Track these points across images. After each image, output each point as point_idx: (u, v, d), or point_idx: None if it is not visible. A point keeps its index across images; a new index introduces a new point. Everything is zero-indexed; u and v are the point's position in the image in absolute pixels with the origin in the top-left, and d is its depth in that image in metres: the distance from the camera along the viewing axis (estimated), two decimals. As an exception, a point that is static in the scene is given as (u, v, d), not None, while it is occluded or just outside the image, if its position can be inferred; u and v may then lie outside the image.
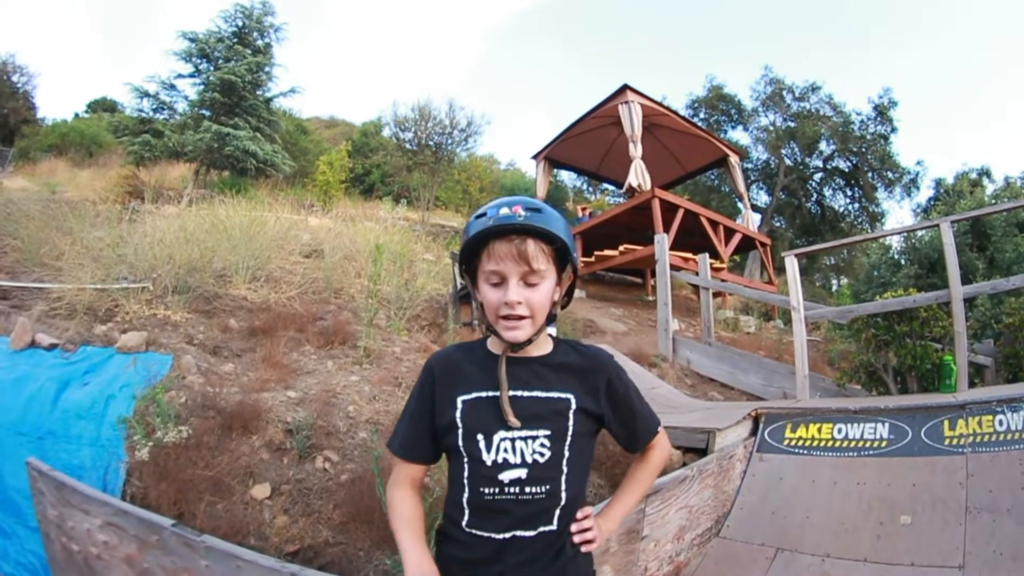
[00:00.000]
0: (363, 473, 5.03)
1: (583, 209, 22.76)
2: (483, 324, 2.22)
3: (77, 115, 40.06)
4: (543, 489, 2.12)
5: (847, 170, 33.41)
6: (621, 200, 21.95)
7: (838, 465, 5.19)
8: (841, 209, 34.09)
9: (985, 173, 29.48)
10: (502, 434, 2.12)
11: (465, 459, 2.13)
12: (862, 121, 32.36)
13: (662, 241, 10.93)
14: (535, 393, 2.16)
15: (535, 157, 21.60)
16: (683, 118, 21.21)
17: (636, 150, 16.71)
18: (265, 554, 3.78)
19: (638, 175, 16.23)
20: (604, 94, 18.27)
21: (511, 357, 2.17)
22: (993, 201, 18.68)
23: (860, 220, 33.04)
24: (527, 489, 2.11)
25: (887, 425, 5.21)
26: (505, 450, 2.12)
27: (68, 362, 6.04)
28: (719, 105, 35.52)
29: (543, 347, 2.24)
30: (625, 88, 17.25)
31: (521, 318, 2.09)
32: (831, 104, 33.33)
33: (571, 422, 2.17)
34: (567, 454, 2.16)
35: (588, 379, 2.23)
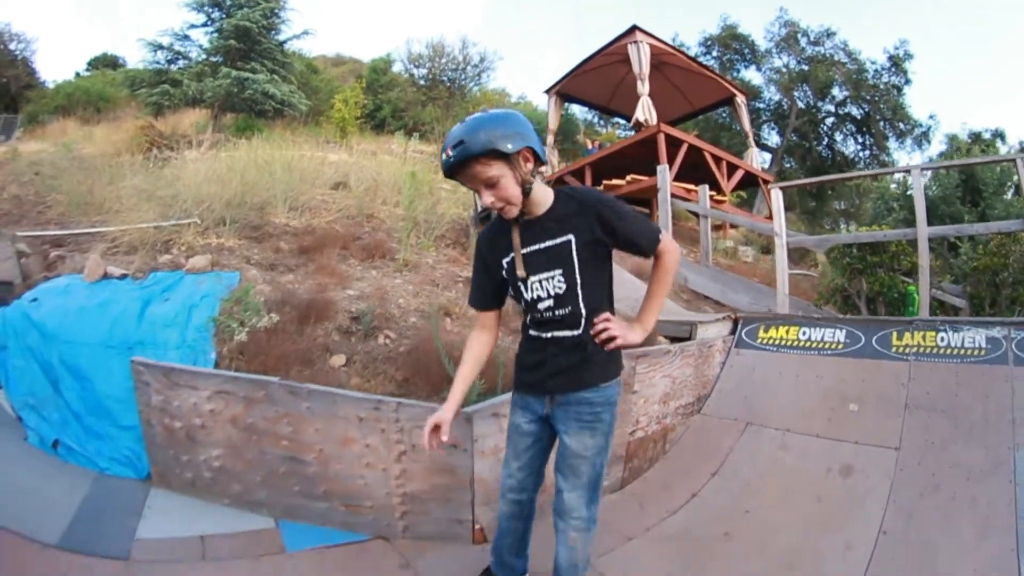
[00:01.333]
0: (418, 344, 6.22)
1: (592, 141, 23.37)
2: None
3: (78, 74, 39.32)
4: (567, 309, 3.07)
5: (859, 117, 33.21)
6: (630, 134, 22.50)
7: (801, 361, 6.08)
8: (851, 155, 33.88)
9: (999, 135, 29.46)
10: (532, 279, 3.09)
11: (519, 297, 3.18)
12: (876, 71, 32.09)
13: (664, 171, 11.82)
14: (544, 244, 3.06)
15: (547, 91, 22.15)
16: (690, 57, 21.98)
17: (644, 87, 17.44)
18: (349, 401, 4.94)
19: (645, 111, 16.98)
20: (616, 32, 18.84)
21: (526, 221, 3.07)
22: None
23: (871, 167, 32.42)
24: (556, 311, 3.09)
25: (844, 331, 6.04)
26: (536, 289, 3.10)
27: (144, 285, 6.76)
28: (732, 44, 35.11)
29: (544, 204, 3.07)
30: (634, 28, 17.88)
31: (503, 207, 2.97)
32: (846, 51, 32.96)
33: (575, 258, 3.03)
34: (579, 281, 3.04)
35: (582, 219, 3.01)
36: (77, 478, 5.04)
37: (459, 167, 2.86)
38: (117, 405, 5.46)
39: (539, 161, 3.00)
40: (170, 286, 6.81)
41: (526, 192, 2.96)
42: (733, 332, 6.80)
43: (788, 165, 33.54)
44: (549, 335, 3.17)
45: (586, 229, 3.03)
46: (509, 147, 2.83)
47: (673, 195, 12.08)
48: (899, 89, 32.09)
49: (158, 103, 21.33)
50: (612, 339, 3.10)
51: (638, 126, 17.35)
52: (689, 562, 4.34)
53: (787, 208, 21.43)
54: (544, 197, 3.07)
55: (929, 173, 18.12)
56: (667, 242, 3.15)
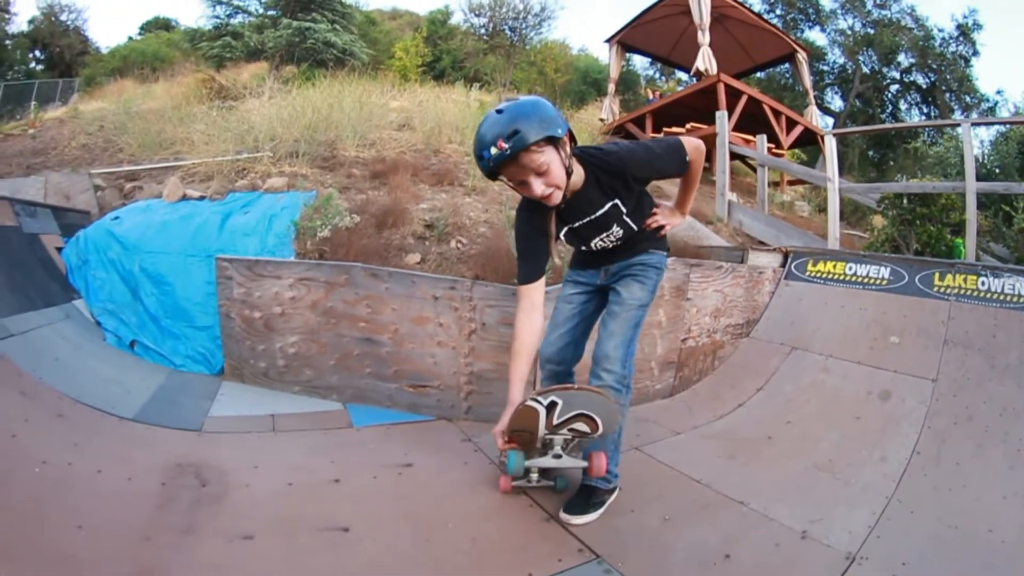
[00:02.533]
0: (487, 248, 6.57)
1: (653, 91, 23.54)
2: None
3: (131, 38, 39.92)
4: (624, 237, 3.62)
5: (924, 87, 32.38)
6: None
7: (846, 294, 6.33)
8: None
9: None
10: (594, 242, 3.63)
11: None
12: (943, 39, 31.35)
13: (722, 117, 11.94)
14: (595, 215, 3.43)
15: (608, 40, 21.98)
16: (752, 11, 21.69)
17: (704, 37, 17.39)
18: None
19: (705, 60, 16.96)
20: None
21: (566, 201, 3.33)
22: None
23: (935, 139, 31.63)
24: (615, 244, 3.66)
25: (888, 269, 6.25)
26: (597, 245, 3.66)
27: (223, 202, 7.18)
28: (796, 3, 34.22)
29: (580, 180, 3.31)
30: (695, -21, 17.75)
31: (551, 194, 3.14)
32: (913, 16, 32.13)
33: (624, 212, 3.47)
34: (632, 222, 3.55)
35: (619, 181, 3.35)
36: (153, 371, 5.49)
37: (512, 159, 2.99)
38: (194, 307, 5.94)
39: (574, 142, 3.27)
40: (249, 202, 7.22)
41: (568, 174, 3.18)
42: (783, 265, 7.08)
43: (851, 130, 32.91)
44: (605, 248, 3.69)
45: (624, 188, 3.39)
46: (559, 131, 3.04)
47: (731, 143, 12.19)
48: (966, 60, 31.22)
49: (219, 55, 21.82)
50: (661, 227, 3.74)
51: (698, 75, 17.38)
52: (733, 455, 4.68)
53: (847, 173, 21.27)
54: (579, 174, 3.31)
55: (988, 143, 17.90)
56: (692, 151, 3.48)
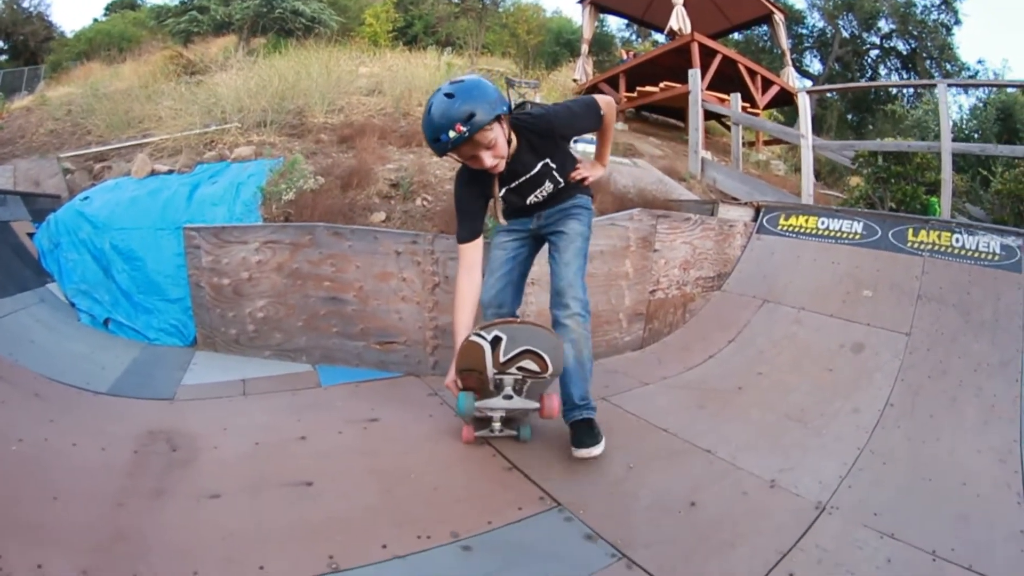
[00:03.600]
0: (451, 205, 6.36)
1: (627, 52, 23.35)
2: None
3: (96, 21, 39.03)
4: (553, 192, 3.83)
5: (905, 53, 32.08)
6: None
7: (819, 248, 6.31)
8: (894, 91, 32.06)
9: None
10: (529, 199, 3.80)
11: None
12: (925, 6, 30.88)
13: (695, 75, 11.75)
14: (530, 175, 3.67)
15: (581, 1, 21.47)
16: (728, -30, 21.56)
17: (678, -5, 17.19)
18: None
19: (679, 19, 16.65)
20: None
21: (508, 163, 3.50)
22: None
23: (914, 104, 31.68)
24: (545, 197, 3.84)
25: (861, 223, 6.24)
26: (532, 200, 3.82)
27: (192, 175, 7.18)
28: None
29: (514, 144, 3.53)
30: (667, -65, 17.46)
31: (497, 164, 3.39)
32: None
33: (553, 168, 3.71)
34: (559, 176, 3.76)
35: (548, 141, 3.63)
36: (127, 347, 5.52)
37: (468, 140, 3.20)
38: (166, 280, 5.97)
39: (509, 114, 3.44)
40: (216, 172, 7.21)
41: (508, 143, 3.44)
42: (755, 219, 7.03)
43: (829, 95, 32.80)
44: (537, 201, 3.86)
45: (553, 147, 3.67)
46: (505, 108, 3.31)
47: (704, 101, 12.06)
48: (948, 28, 30.87)
49: (186, 30, 21.34)
50: (584, 178, 3.95)
51: (672, 35, 17.17)
52: (703, 404, 4.64)
53: (826, 136, 21.18)
54: (514, 140, 3.53)
55: (967, 109, 17.85)
56: (605, 107, 3.75)
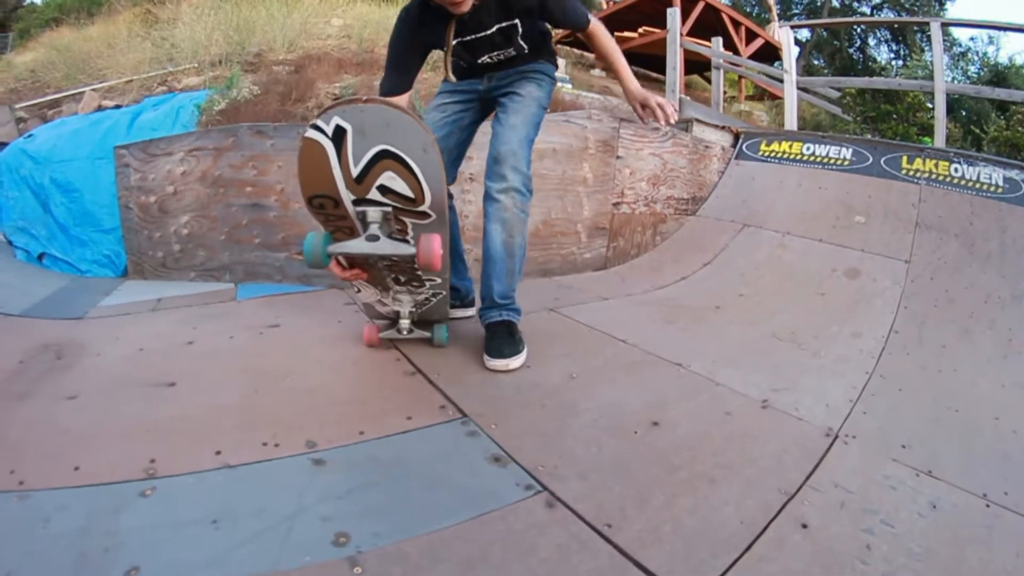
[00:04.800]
0: None
1: (608, 2, 22.70)
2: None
3: None
4: (512, 56, 3.07)
5: (895, 25, 32.05)
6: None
7: (804, 173, 5.76)
8: (883, 61, 32.15)
9: None
10: (481, 59, 3.04)
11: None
12: None
13: (674, 13, 11.14)
14: (491, 30, 2.89)
15: None
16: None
17: (660, -61, 16.40)
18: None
19: (660, -37, 16.09)
20: None
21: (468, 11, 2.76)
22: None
23: (905, 63, 31.87)
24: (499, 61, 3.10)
25: (851, 150, 5.73)
26: (484, 59, 3.06)
27: (137, 106, 6.85)
28: None
29: None
30: None
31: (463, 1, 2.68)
32: None
33: (520, 33, 2.93)
34: (524, 44, 3.01)
35: (532, 3, 2.85)
36: (57, 279, 5.29)
37: None
38: (102, 210, 5.67)
39: None
40: (162, 100, 6.97)
41: None
42: (734, 145, 6.53)
43: (816, 61, 32.53)
44: (489, 63, 3.16)
45: (529, 13, 2.93)
46: None
47: (684, 40, 11.37)
48: (941, 3, 30.57)
49: None
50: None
51: (653, -21, 16.47)
52: (672, 320, 3.90)
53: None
54: None
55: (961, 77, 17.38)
56: (600, 26, 3.21)
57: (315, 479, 1.98)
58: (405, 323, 3.02)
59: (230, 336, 3.39)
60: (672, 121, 3.04)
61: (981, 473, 2.27)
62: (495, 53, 3.02)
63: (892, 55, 32.34)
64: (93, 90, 7.30)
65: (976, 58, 27.36)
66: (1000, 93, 7.60)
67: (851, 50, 32.67)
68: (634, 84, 3.20)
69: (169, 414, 2.40)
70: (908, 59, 30.70)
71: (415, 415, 2.38)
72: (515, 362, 2.87)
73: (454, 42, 2.92)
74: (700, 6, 15.31)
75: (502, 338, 2.94)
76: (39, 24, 26.06)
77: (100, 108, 6.90)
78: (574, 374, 2.81)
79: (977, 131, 9.89)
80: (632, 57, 18.30)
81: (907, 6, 30.19)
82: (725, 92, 11.93)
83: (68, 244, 5.70)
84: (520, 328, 3.05)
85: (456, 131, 3.24)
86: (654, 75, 17.54)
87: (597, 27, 3.14)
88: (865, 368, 3.27)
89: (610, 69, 3.32)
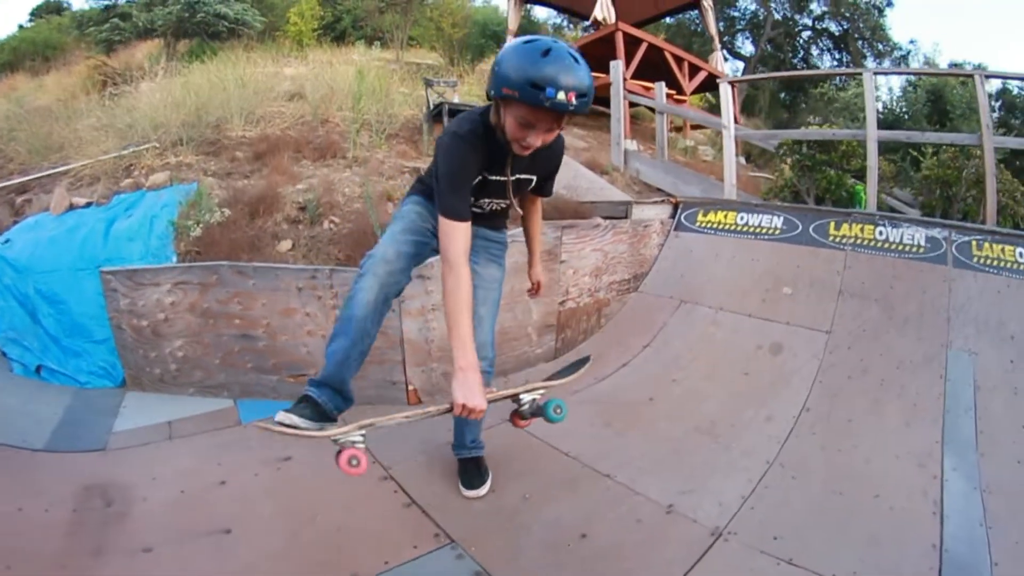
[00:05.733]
0: (359, 227, 6.42)
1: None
2: (499, 129, 2.75)
3: (21, 26, 38.07)
4: (502, 210, 3.33)
5: (837, 34, 32.19)
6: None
7: (738, 245, 6.20)
8: (826, 69, 33.40)
9: (980, 68, 29.08)
10: (484, 202, 3.16)
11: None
12: None
13: (616, 66, 11.79)
14: (521, 177, 3.11)
15: None
16: (656, -43, 21.53)
17: (602, -16, 17.01)
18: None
19: (603, 9, 16.42)
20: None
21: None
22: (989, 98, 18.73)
23: (845, 84, 32.29)
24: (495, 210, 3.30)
25: (782, 218, 6.15)
26: (488, 205, 3.20)
27: (108, 207, 6.93)
28: None
29: None
30: (591, -76, 17.28)
31: (529, 148, 2.69)
32: None
33: (525, 191, 3.27)
34: (516, 201, 3.25)
35: (548, 163, 3.19)
36: (59, 394, 5.48)
37: (566, 114, 2.57)
38: (91, 322, 5.82)
39: None
40: (132, 203, 7.04)
41: None
42: (673, 216, 6.93)
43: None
44: (483, 213, 3.26)
45: (543, 171, 3.23)
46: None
47: (630, 91, 11.99)
48: (880, 10, 31.00)
49: (108, 39, 20.61)
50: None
51: (596, 25, 17.04)
52: (610, 421, 4.53)
53: (756, 116, 21.32)
54: None
55: (898, 90, 18.07)
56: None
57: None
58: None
59: (255, 474, 3.95)
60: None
61: (843, 557, 2.90)
62: (497, 201, 3.19)
63: (835, 63, 32.90)
64: (63, 187, 7.39)
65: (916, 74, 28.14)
66: (930, 137, 8.22)
67: (795, 60, 33.22)
68: (539, 266, 3.90)
69: (239, 565, 2.99)
70: (851, 68, 31.62)
71: (419, 544, 3.15)
72: (483, 490, 3.60)
73: (493, 177, 3.04)
74: (643, 47, 15.85)
75: (472, 472, 3.66)
76: (-7, 68, 26.15)
77: (72, 207, 7.01)
78: (527, 495, 3.57)
79: (914, 152, 10.37)
80: (584, 99, 18.87)
81: (848, 15, 30.85)
82: (671, 122, 12.44)
83: (63, 356, 5.83)
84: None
85: (428, 241, 3.23)
86: (602, 109, 18.17)
87: (539, 201, 3.58)
88: (767, 456, 3.87)
89: (529, 242, 3.84)
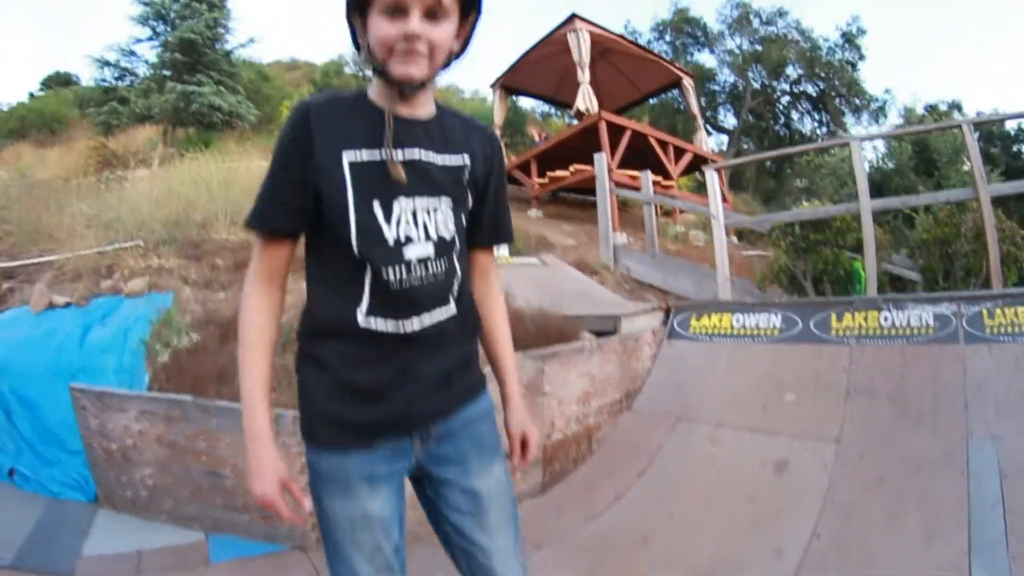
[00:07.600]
0: None
1: (540, 133, 23.02)
2: (370, 65, 1.81)
3: (32, 95, 38.83)
4: (444, 266, 1.90)
5: (814, 94, 33.32)
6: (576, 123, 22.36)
7: (735, 349, 5.95)
8: (808, 132, 33.95)
9: (956, 107, 29.18)
10: (403, 201, 1.82)
11: (363, 236, 1.77)
12: (830, 47, 32.30)
13: (601, 159, 11.84)
14: (434, 158, 1.88)
15: (492, 85, 21.78)
16: (633, 43, 22.04)
17: (584, 75, 17.16)
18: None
19: (586, 99, 16.69)
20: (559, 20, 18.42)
21: (399, 117, 1.82)
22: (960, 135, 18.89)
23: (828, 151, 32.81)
24: (432, 267, 1.86)
25: (780, 316, 5.91)
26: (405, 224, 1.81)
27: (86, 312, 6.94)
28: (684, 28, 34.91)
29: (429, 105, 1.93)
30: (573, 17, 17.56)
31: (414, 56, 1.73)
32: (799, 29, 33.09)
33: (468, 191, 1.98)
34: (464, 224, 1.98)
35: (479, 145, 2.01)
36: (31, 504, 5.40)
37: None
38: (66, 431, 5.70)
39: (466, 44, 1.95)
40: (109, 311, 7.03)
41: (445, 65, 1.88)
42: (665, 322, 6.66)
43: (745, 146, 33.60)
44: (414, 320, 1.86)
45: (481, 161, 2.02)
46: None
47: (617, 183, 11.93)
48: (853, 65, 32.26)
49: (107, 122, 20.92)
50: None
51: (579, 115, 17.13)
52: (598, 573, 4.12)
53: (744, 188, 21.37)
54: (431, 95, 1.95)
55: (883, 147, 18.10)
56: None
57: None
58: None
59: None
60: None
61: None
62: (426, 245, 1.84)
63: (816, 123, 34.31)
64: (44, 284, 7.45)
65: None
66: (924, 199, 8.16)
67: (776, 126, 34.34)
68: (522, 408, 2.25)
69: None
70: (831, 127, 32.17)
71: None
72: None
73: (399, 152, 1.82)
74: (627, 135, 16.04)
75: None
76: (1, 134, 26.34)
77: (51, 305, 7.04)
78: None
79: (905, 229, 10.23)
80: (571, 191, 18.95)
81: (823, 75, 32.32)
82: (660, 207, 12.34)
83: (37, 462, 5.72)
84: None
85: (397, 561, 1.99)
86: (591, 199, 18.11)
87: (492, 269, 2.25)
88: (776, 601, 3.44)
89: (495, 361, 2.27)
